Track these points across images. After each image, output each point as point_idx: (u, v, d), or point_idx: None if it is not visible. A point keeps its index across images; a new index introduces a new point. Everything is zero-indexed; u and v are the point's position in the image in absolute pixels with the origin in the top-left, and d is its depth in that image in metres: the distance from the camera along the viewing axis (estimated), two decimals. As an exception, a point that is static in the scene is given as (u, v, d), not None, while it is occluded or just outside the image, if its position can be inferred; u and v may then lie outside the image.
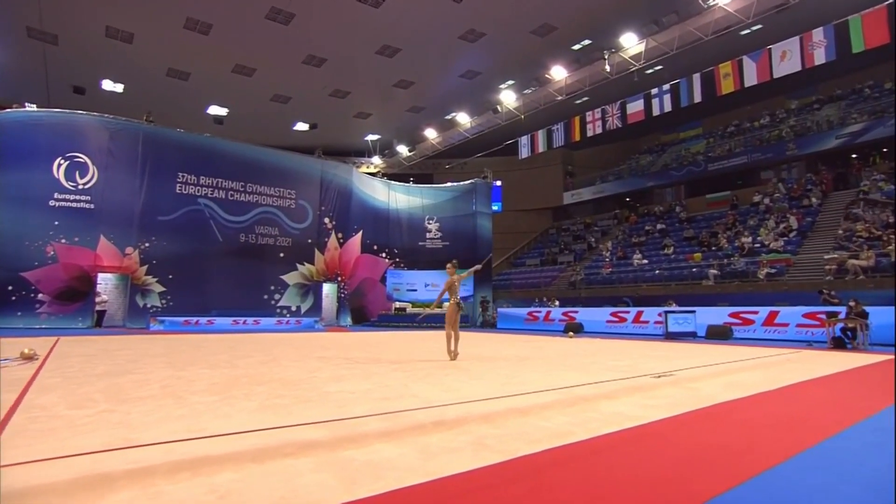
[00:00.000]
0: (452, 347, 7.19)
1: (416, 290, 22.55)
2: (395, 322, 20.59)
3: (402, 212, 23.69)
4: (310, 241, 19.67)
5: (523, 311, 20.20)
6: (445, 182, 25.92)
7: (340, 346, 9.90)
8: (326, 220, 20.38)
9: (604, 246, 24.70)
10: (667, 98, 16.66)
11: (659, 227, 24.09)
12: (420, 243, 23.76)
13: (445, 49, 19.55)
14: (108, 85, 19.98)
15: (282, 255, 18.97)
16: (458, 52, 19.86)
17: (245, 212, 18.37)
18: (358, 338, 13.25)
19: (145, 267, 16.13)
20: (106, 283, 15.91)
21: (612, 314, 17.03)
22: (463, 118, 24.08)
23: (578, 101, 22.67)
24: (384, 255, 22.83)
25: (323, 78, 20.99)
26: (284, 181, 19.43)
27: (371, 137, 27.51)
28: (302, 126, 25.44)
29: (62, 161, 15.13)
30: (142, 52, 18.08)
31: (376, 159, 28.18)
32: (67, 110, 16.16)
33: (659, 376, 5.75)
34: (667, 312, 14.28)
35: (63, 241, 14.95)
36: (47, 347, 8.54)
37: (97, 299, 15.34)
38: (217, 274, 17.31)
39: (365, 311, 21.90)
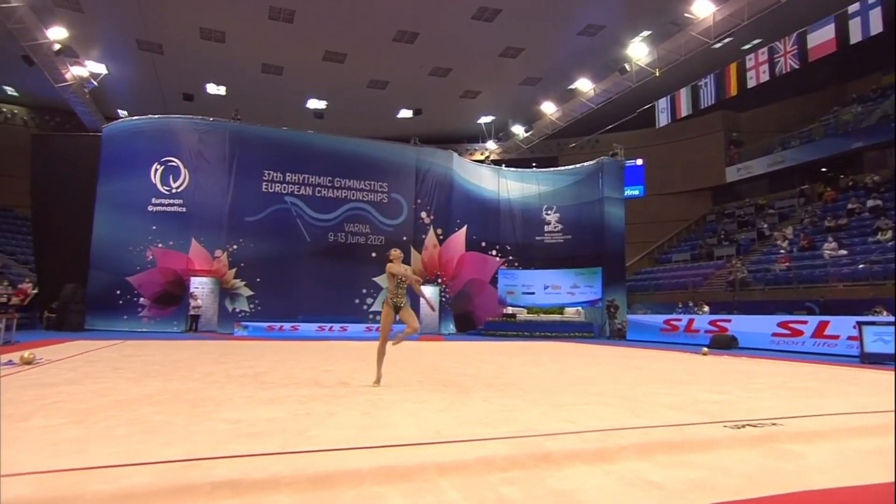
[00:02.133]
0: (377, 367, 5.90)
1: (533, 293, 21.23)
2: (504, 330, 19.52)
3: (515, 202, 22.54)
4: (405, 238, 19.51)
5: (661, 318, 17.65)
6: (574, 165, 23.96)
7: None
8: (423, 214, 20.14)
9: (781, 233, 20.61)
10: (875, 14, 12.99)
11: (870, 203, 19.30)
12: (537, 238, 22.37)
13: (555, 1, 17.96)
14: (212, 88, 22.38)
15: (374, 254, 19.05)
16: (571, 4, 18.13)
17: (333, 209, 18.86)
18: (433, 349, 12.57)
19: (234, 270, 17.42)
20: (202, 287, 17.60)
21: (782, 325, 13.81)
22: (585, 85, 22.09)
23: (746, 47, 19.19)
24: (494, 252, 21.90)
25: (419, 55, 20.83)
26: (375, 173, 19.57)
27: (484, 119, 26.79)
28: (405, 113, 25.73)
29: (158, 166, 17.14)
30: (235, 50, 19.76)
31: (491, 144, 27.39)
32: (162, 115, 18.29)
33: (742, 426, 3.97)
34: (861, 324, 11.00)
35: (160, 245, 16.88)
36: (117, 350, 9.37)
37: (192, 303, 17.02)
38: (305, 276, 18.06)
39: (472, 318, 21.18)
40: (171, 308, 16.82)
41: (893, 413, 4.32)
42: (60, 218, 17.01)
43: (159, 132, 17.47)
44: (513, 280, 21.54)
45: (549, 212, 22.30)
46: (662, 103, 18.89)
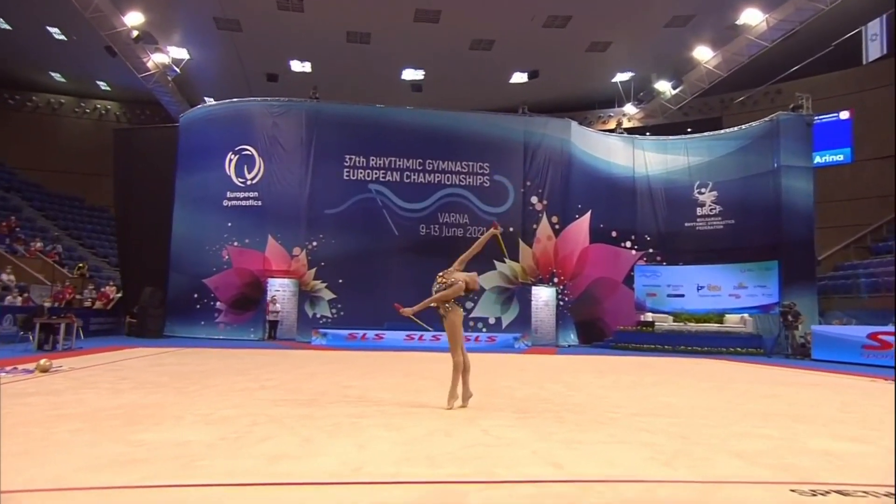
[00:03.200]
0: (455, 388, 5.77)
1: (682, 296, 19.76)
2: (638, 343, 18.40)
3: (657, 179, 21.31)
4: (511, 229, 19.05)
5: (863, 331, 15.34)
6: (738, 127, 21.79)
7: (441, 374, 9.09)
8: (534, 199, 19.69)
9: None
10: None
11: None
12: (687, 224, 20.93)
13: None
14: (296, 66, 23.85)
15: None
16: None
17: (425, 196, 19.14)
18: (525, 363, 12.22)
19: (314, 270, 18.28)
20: (281, 290, 18.83)
21: None
22: (754, 17, 19.91)
23: None
24: (629, 244, 20.92)
25: (528, 3, 20.28)
26: (474, 152, 19.51)
27: (620, 77, 25.45)
28: (519, 77, 25.34)
29: (232, 156, 18.54)
30: (316, 18, 20.80)
31: (630, 108, 25.91)
32: (237, 99, 19.86)
33: (826, 493, 3.18)
34: None
35: (236, 243, 18.17)
36: (158, 359, 10.39)
37: (270, 308, 17.99)
38: (392, 276, 18.33)
39: (600, 326, 20.42)
40: (248, 313, 18.17)
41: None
42: (143, 217, 19.13)
43: (232, 118, 18.98)
44: (655, 279, 20.29)
45: (703, 190, 20.70)
46: (873, 28, 16.44)
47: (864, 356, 14.85)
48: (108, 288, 19.29)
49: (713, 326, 18.63)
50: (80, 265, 20.28)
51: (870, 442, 4.68)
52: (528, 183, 19.68)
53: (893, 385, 7.42)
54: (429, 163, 19.36)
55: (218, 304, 18.12)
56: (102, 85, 27.46)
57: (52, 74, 26.61)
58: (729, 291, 19.23)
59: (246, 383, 7.28)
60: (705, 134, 21.82)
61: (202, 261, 18.30)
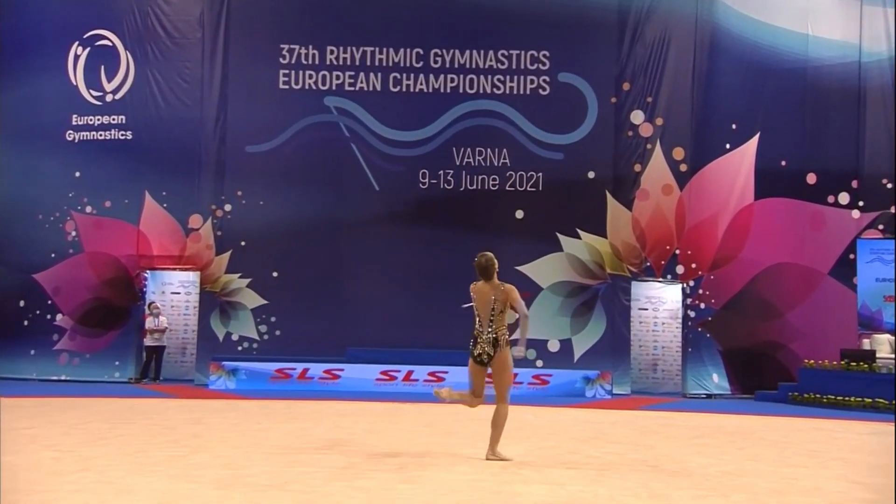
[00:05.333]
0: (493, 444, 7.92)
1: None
2: (843, 393, 16.84)
3: None
4: (591, 174, 18.75)
5: None
6: None
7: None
8: (638, 115, 19.05)
9: None
10: None
11: None
12: (969, 156, 19.10)
13: None
14: None
15: (519, 213, 18.50)
16: None
17: (429, 118, 18.74)
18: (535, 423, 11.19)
19: (226, 255, 18.19)
20: (172, 289, 18.90)
21: None
22: None
23: None
24: (845, 197, 19.30)
25: None
26: (523, 32, 19.06)
27: None
28: None
29: (79, 49, 18.47)
30: None
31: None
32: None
33: None
34: None
35: (88, 209, 18.33)
36: None
37: (148, 324, 17.95)
38: (369, 266, 18.23)
39: (778, 360, 19.15)
40: (111, 334, 18.19)
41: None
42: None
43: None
44: (904, 267, 19.14)
45: None
46: None
47: None
48: None
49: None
50: None
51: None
52: (627, 86, 19.05)
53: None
54: (436, 54, 18.91)
55: (59, 317, 18.23)
56: None
57: None
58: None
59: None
60: None
61: (34, 240, 18.57)
